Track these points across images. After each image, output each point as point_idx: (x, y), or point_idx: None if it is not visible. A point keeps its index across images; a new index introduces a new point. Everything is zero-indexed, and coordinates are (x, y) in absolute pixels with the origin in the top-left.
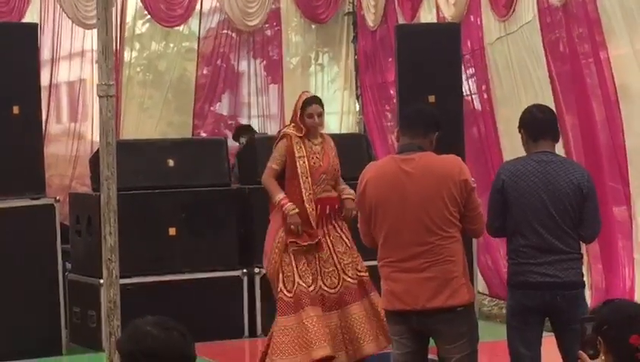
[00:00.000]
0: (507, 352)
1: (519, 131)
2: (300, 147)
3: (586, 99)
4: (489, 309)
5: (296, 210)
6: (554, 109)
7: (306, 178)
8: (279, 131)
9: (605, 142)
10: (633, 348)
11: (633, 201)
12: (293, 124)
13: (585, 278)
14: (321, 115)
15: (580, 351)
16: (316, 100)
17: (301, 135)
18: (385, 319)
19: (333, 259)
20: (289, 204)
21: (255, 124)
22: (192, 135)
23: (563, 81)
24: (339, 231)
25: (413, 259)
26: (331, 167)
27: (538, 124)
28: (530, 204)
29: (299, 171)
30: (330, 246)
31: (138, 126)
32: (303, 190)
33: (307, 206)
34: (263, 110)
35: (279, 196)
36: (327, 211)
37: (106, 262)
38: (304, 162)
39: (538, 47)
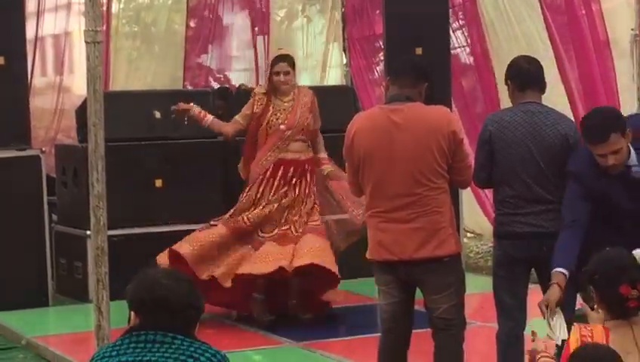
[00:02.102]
0: (494, 303)
1: (505, 82)
2: (261, 104)
3: (585, 50)
4: (475, 261)
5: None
6: (554, 61)
7: (265, 135)
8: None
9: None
10: (623, 297)
11: None
12: (260, 85)
13: None
14: (288, 73)
15: (582, 301)
16: (283, 58)
17: (264, 92)
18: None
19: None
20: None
21: (243, 78)
22: (183, 88)
23: (560, 32)
24: (306, 197)
25: (401, 210)
26: (298, 123)
27: (524, 75)
28: (517, 154)
29: (256, 129)
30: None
31: (126, 79)
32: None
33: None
34: (249, 63)
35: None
36: (291, 173)
37: (94, 209)
38: (263, 119)
39: None
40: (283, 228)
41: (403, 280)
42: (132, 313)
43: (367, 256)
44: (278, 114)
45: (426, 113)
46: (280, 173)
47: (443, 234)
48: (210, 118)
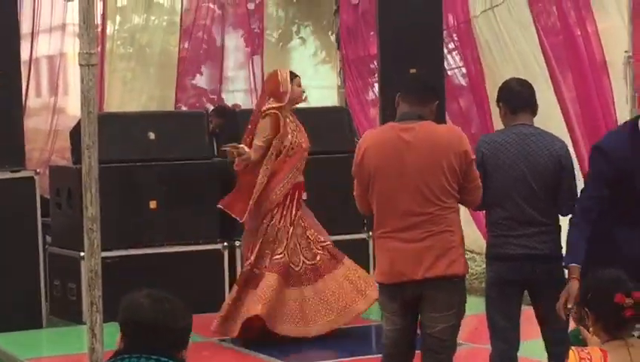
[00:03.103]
0: (487, 325)
1: (497, 105)
2: (284, 123)
3: (582, 71)
4: (469, 283)
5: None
6: (550, 83)
7: (291, 150)
8: (260, 109)
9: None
10: (619, 307)
11: None
12: (272, 99)
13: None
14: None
15: (581, 327)
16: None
17: (278, 106)
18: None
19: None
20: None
21: (237, 98)
22: (175, 109)
23: (556, 53)
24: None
25: (412, 229)
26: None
27: (516, 97)
28: (510, 176)
29: (285, 147)
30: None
31: (121, 100)
32: (292, 165)
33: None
34: (244, 84)
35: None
36: (297, 196)
37: (88, 232)
38: (294, 136)
39: (526, 19)
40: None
41: (408, 304)
42: (119, 336)
43: (376, 278)
44: (295, 133)
45: (437, 132)
46: (297, 196)
47: (454, 253)
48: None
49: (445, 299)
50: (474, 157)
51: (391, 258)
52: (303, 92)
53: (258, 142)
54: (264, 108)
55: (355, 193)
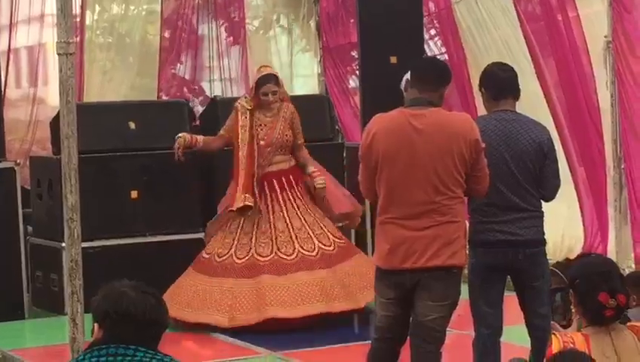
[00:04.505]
0: (470, 311)
1: (480, 90)
2: (246, 117)
3: (564, 55)
4: None
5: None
6: (532, 68)
7: (244, 145)
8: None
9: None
10: (601, 305)
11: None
12: (245, 95)
13: (545, 236)
14: (275, 92)
15: (552, 322)
16: (270, 79)
17: (250, 108)
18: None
19: (289, 231)
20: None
21: (217, 88)
22: (157, 98)
23: (537, 38)
24: (296, 206)
25: (418, 218)
26: (276, 139)
27: (499, 83)
28: (492, 162)
29: (239, 139)
30: (287, 219)
31: (100, 90)
32: (240, 157)
33: (240, 174)
34: (224, 73)
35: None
36: (275, 185)
37: (68, 222)
38: (245, 131)
39: (508, 4)
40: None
41: (405, 292)
42: (95, 326)
43: (374, 261)
44: (259, 129)
45: (448, 120)
46: (267, 186)
47: (457, 245)
48: (200, 140)
49: (442, 289)
50: (484, 145)
51: (394, 244)
52: (271, 96)
53: (221, 131)
54: (238, 101)
55: (359, 177)
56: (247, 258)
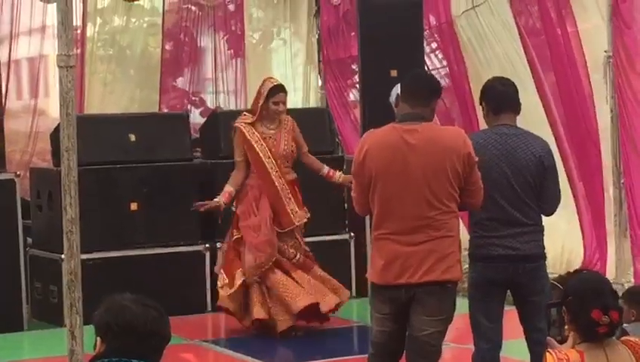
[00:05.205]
0: (469, 325)
1: (480, 104)
2: (253, 133)
3: (563, 70)
4: None
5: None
6: (532, 82)
7: (269, 158)
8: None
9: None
10: (594, 322)
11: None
12: (244, 113)
13: (545, 250)
14: (285, 103)
15: (548, 337)
16: (282, 88)
17: (250, 122)
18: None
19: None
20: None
21: (217, 100)
22: (159, 111)
23: (538, 52)
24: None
25: (412, 233)
26: (283, 151)
27: (499, 97)
28: (492, 176)
29: (260, 155)
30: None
31: (101, 102)
32: (269, 170)
33: (277, 183)
34: (225, 85)
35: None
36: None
37: (67, 234)
38: (262, 144)
39: (509, 19)
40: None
41: (400, 307)
42: (97, 340)
43: (369, 276)
44: (263, 142)
45: (441, 134)
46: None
47: (451, 259)
48: (231, 191)
49: (438, 304)
50: (477, 159)
51: (388, 259)
52: (282, 106)
53: (236, 157)
54: (236, 123)
55: (352, 193)
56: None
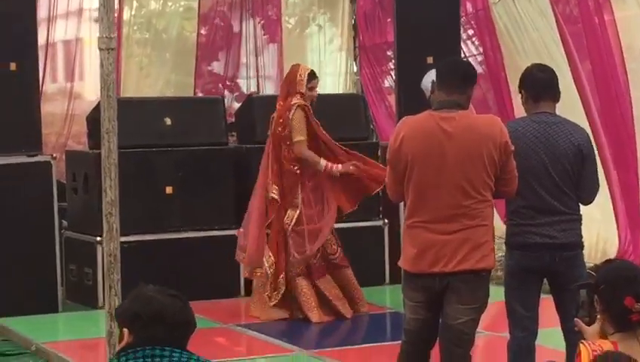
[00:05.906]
0: (505, 313)
1: (519, 91)
2: (311, 113)
3: (600, 58)
4: None
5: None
6: (569, 70)
7: (330, 141)
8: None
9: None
10: (627, 309)
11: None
12: (299, 95)
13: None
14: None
15: (576, 319)
16: (316, 75)
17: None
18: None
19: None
20: (334, 166)
21: (253, 85)
22: (194, 95)
23: (575, 40)
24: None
25: (447, 222)
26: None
27: (539, 84)
28: (530, 164)
29: (324, 138)
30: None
31: (137, 85)
32: (336, 153)
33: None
34: (260, 70)
35: (323, 162)
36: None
37: (106, 216)
38: (318, 125)
39: (546, 6)
40: None
41: (434, 295)
42: (124, 331)
43: (401, 264)
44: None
45: (477, 123)
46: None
47: (486, 248)
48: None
49: (472, 292)
50: (513, 148)
51: (422, 248)
52: (315, 93)
53: (302, 138)
54: (294, 101)
55: (387, 179)
56: None
